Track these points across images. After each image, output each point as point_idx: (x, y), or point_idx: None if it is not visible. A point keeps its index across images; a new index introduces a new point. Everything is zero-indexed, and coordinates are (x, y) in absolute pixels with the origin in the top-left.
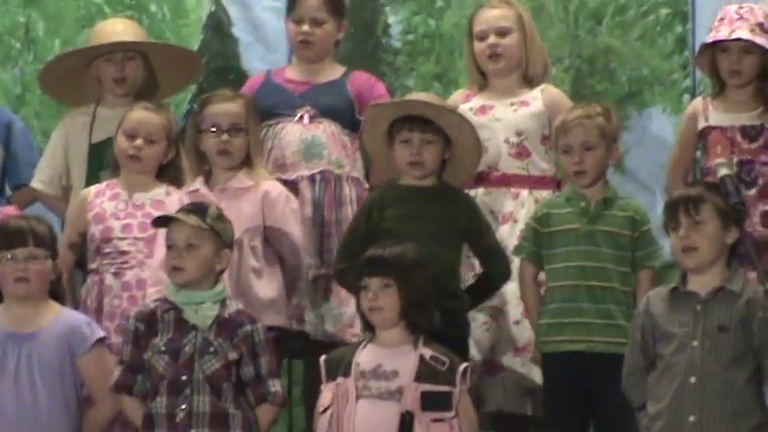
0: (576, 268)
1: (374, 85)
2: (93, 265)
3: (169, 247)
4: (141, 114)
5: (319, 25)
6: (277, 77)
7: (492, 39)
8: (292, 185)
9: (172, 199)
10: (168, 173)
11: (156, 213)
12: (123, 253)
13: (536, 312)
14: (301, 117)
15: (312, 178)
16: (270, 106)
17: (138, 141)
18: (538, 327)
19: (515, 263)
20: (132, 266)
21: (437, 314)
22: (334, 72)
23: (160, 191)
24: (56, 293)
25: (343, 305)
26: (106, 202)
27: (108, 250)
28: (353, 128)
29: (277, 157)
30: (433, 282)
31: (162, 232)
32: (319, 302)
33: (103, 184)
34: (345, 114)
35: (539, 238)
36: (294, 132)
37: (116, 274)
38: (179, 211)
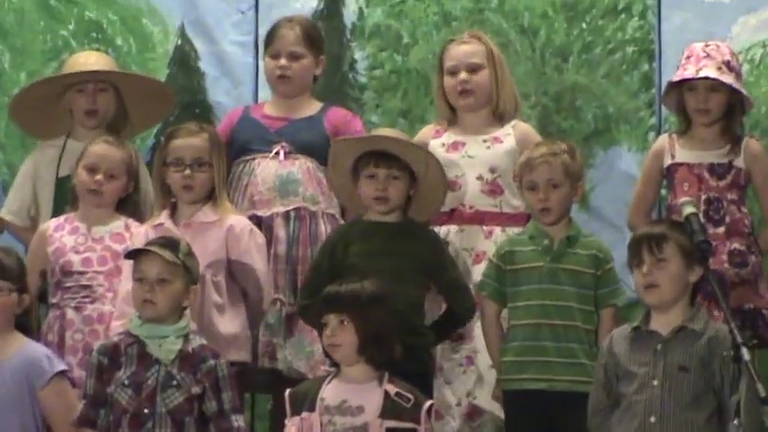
0: (538, 307)
1: (351, 121)
2: (54, 300)
3: (139, 279)
4: (102, 148)
5: (297, 59)
6: (255, 113)
7: (463, 75)
8: (267, 222)
9: (139, 231)
10: (127, 206)
11: (116, 246)
12: (84, 287)
13: (497, 350)
14: (277, 153)
15: (287, 215)
16: (246, 141)
17: (99, 176)
18: (499, 364)
19: None
20: (93, 300)
21: (398, 349)
22: (312, 108)
23: (119, 223)
24: (24, 326)
25: (316, 342)
26: (66, 236)
27: (69, 284)
28: None
29: (252, 193)
30: (393, 317)
31: (128, 265)
32: (292, 340)
33: (62, 218)
34: (322, 150)
35: (501, 275)
36: (269, 168)
37: (77, 309)
38: (152, 244)
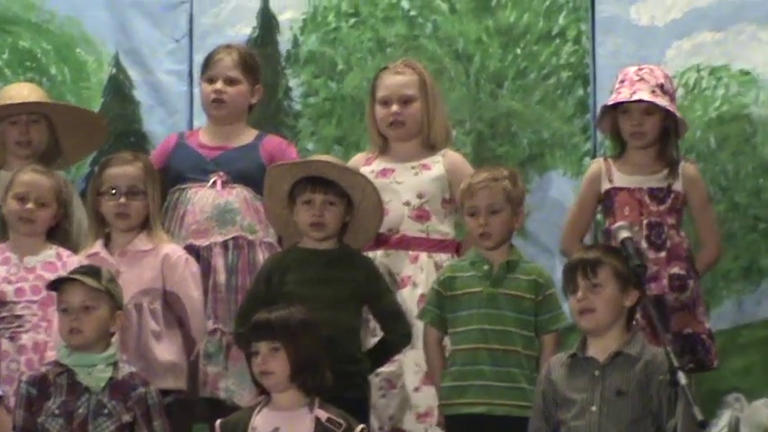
0: (477, 331)
1: (286, 149)
2: None
3: (64, 310)
4: (31, 177)
5: (232, 84)
6: (190, 140)
7: (395, 107)
8: (206, 252)
9: (71, 261)
10: (57, 235)
11: (49, 275)
12: (18, 317)
13: (439, 376)
14: (214, 182)
15: (225, 244)
16: (182, 170)
17: (29, 204)
18: (440, 390)
19: (417, 326)
20: (28, 330)
21: (329, 375)
22: (247, 136)
23: (51, 252)
24: None
25: None
26: None
27: (2, 314)
28: None
29: (190, 222)
30: (324, 343)
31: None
32: (234, 369)
33: None
34: (258, 179)
35: (442, 301)
36: (207, 198)
37: (12, 338)
38: (74, 272)
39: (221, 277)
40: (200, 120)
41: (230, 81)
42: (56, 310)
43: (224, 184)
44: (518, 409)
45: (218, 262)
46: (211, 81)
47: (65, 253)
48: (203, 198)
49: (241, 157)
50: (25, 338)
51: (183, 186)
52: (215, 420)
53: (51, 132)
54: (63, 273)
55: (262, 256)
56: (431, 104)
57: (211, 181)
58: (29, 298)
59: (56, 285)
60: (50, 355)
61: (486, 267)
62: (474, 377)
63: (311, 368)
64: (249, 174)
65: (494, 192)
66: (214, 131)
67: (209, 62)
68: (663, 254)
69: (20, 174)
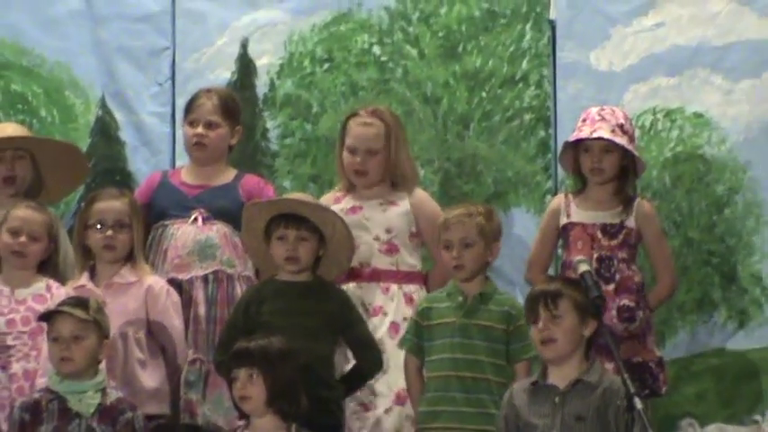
0: (449, 360)
1: (264, 188)
2: None
3: (54, 339)
4: (24, 213)
5: (213, 128)
6: (173, 179)
7: (359, 158)
8: (187, 285)
9: (60, 293)
10: (47, 268)
11: (38, 307)
12: (9, 347)
13: (417, 401)
14: (195, 219)
15: (206, 278)
16: (165, 207)
17: (23, 238)
18: (417, 414)
19: (388, 352)
20: (18, 359)
21: (305, 401)
22: (227, 175)
23: (41, 285)
24: None
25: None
26: None
27: None
28: None
29: (173, 257)
30: (300, 371)
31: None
32: (211, 396)
33: None
34: (237, 216)
35: (420, 330)
36: (188, 233)
37: (3, 367)
38: (63, 304)
39: (201, 309)
40: (183, 159)
41: (210, 125)
42: (45, 339)
43: (205, 220)
44: None
45: (199, 294)
46: (193, 124)
47: (54, 285)
48: (185, 234)
49: (221, 195)
50: (16, 367)
51: (166, 222)
52: None
53: (35, 168)
54: (52, 304)
55: (240, 289)
56: (393, 151)
57: (192, 217)
58: (20, 329)
59: (46, 316)
60: (40, 382)
61: (460, 299)
62: (446, 403)
63: (287, 394)
64: (229, 211)
65: (467, 227)
66: (196, 171)
67: (190, 106)
68: (611, 286)
69: (14, 209)
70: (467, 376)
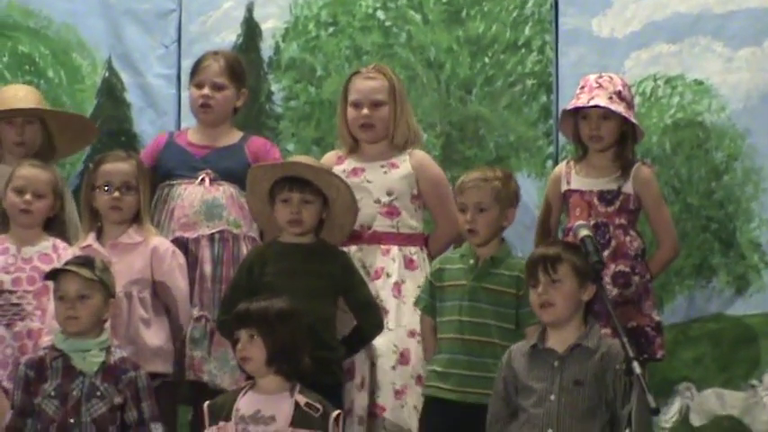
0: (457, 323)
1: (270, 149)
2: None
3: (61, 298)
4: (29, 171)
5: (219, 90)
6: (179, 140)
7: (365, 110)
8: (193, 244)
9: (67, 253)
10: (54, 227)
11: (44, 266)
12: (14, 305)
13: (430, 360)
14: (203, 179)
15: (212, 237)
16: (172, 167)
17: (28, 196)
18: (427, 373)
19: (390, 314)
20: (23, 317)
21: (307, 361)
22: (233, 137)
23: (47, 244)
24: None
25: None
26: None
27: (0, 303)
28: None
29: (179, 216)
30: (300, 332)
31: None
32: (217, 354)
33: None
34: (243, 177)
35: (433, 291)
36: (195, 193)
37: (8, 326)
38: (69, 263)
39: (207, 268)
40: (188, 121)
41: (217, 87)
42: (51, 298)
43: (211, 180)
44: (488, 398)
45: (205, 254)
46: (199, 86)
47: (61, 244)
48: (192, 194)
49: (228, 156)
50: (20, 326)
51: (173, 182)
52: (199, 402)
53: (45, 132)
54: (58, 264)
55: (245, 249)
56: (398, 109)
57: (200, 178)
58: (25, 288)
59: (52, 275)
60: (45, 340)
61: (471, 261)
62: (453, 366)
63: (286, 355)
64: (235, 172)
65: (482, 191)
66: (202, 132)
67: (197, 68)
68: (606, 252)
69: (19, 168)
70: (473, 340)
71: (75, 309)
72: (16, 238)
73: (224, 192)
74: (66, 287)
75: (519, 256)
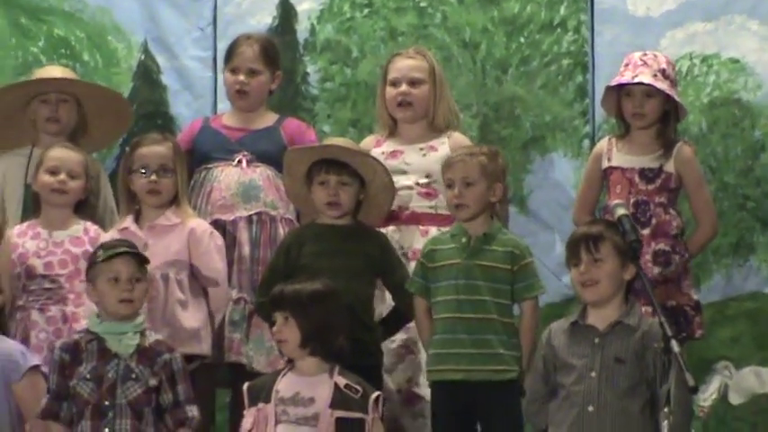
0: (454, 302)
1: (305, 131)
2: (20, 302)
3: (114, 279)
4: (61, 152)
5: (254, 75)
6: (214, 123)
7: (404, 87)
8: (231, 226)
9: (105, 236)
10: (84, 210)
11: (75, 249)
12: (47, 289)
13: (427, 343)
14: (239, 161)
15: (249, 219)
16: (208, 150)
17: (62, 176)
18: (428, 357)
19: None
20: (56, 301)
21: (344, 342)
22: (268, 119)
23: (78, 227)
24: (1, 325)
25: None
26: (28, 242)
27: (32, 287)
28: None
29: (217, 198)
30: (336, 313)
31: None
32: (253, 336)
33: (25, 225)
34: (279, 159)
35: (426, 272)
36: (232, 175)
37: (41, 310)
38: (120, 245)
39: (245, 250)
40: (224, 103)
41: (252, 72)
42: (87, 282)
43: (248, 162)
44: (495, 374)
45: (243, 235)
46: (234, 72)
47: (92, 228)
48: (229, 176)
49: (263, 138)
50: (54, 310)
51: (210, 165)
52: (237, 385)
53: (79, 112)
54: (89, 247)
55: (282, 231)
56: (438, 90)
57: (237, 160)
58: (57, 272)
59: (107, 258)
60: (81, 324)
61: (464, 240)
62: (453, 345)
63: (321, 336)
64: (271, 154)
65: (468, 166)
66: (237, 115)
67: (232, 53)
68: (647, 230)
69: (50, 150)
70: (471, 317)
71: (129, 291)
72: (47, 222)
73: (261, 173)
74: (122, 269)
75: (510, 232)
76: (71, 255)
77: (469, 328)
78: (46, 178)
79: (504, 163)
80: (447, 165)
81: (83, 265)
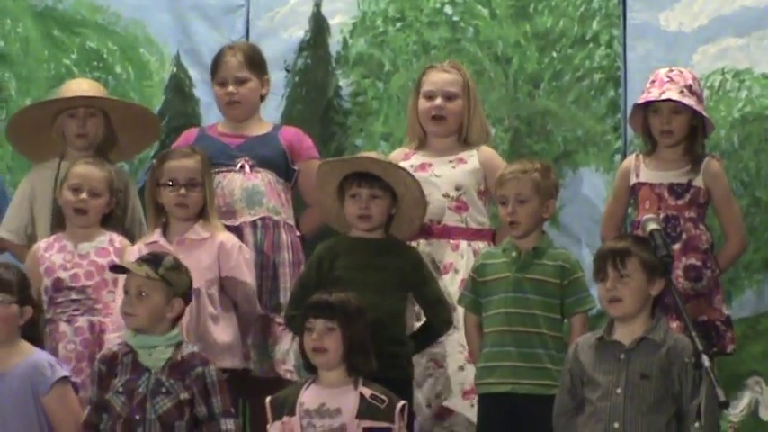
0: (504, 315)
1: (302, 138)
2: (48, 315)
3: (125, 292)
4: (84, 169)
5: (243, 84)
6: (211, 132)
7: (439, 101)
8: (236, 232)
9: (132, 249)
10: (109, 222)
11: (101, 260)
12: (74, 301)
13: (477, 358)
14: (242, 167)
15: (254, 224)
16: (210, 157)
17: (83, 195)
18: (477, 370)
19: (459, 312)
20: (83, 312)
21: (375, 361)
22: (264, 126)
23: (103, 238)
24: (33, 336)
25: (275, 344)
26: (54, 255)
27: (60, 299)
28: (287, 177)
29: (221, 204)
30: (373, 329)
31: (122, 279)
32: (257, 342)
33: (51, 238)
34: (280, 165)
35: (476, 287)
36: (236, 181)
37: (69, 321)
38: (135, 260)
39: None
40: None
41: (240, 81)
42: (118, 293)
43: (251, 168)
44: (541, 388)
45: (249, 240)
46: (222, 84)
47: (117, 238)
48: (232, 182)
49: (262, 144)
50: (81, 321)
51: (213, 171)
52: (251, 397)
53: (107, 125)
54: (115, 257)
55: (285, 236)
56: (471, 105)
57: (239, 165)
58: (83, 283)
59: (121, 270)
60: (110, 337)
61: (514, 254)
62: (501, 358)
63: (362, 350)
64: (271, 159)
65: (522, 183)
66: (233, 124)
67: (216, 66)
68: (677, 245)
69: (74, 167)
70: (520, 331)
71: (132, 306)
72: (72, 235)
73: (262, 179)
74: (128, 284)
75: (561, 247)
76: (97, 266)
77: (518, 341)
78: (68, 196)
79: (555, 179)
80: (500, 182)
81: (109, 275)
